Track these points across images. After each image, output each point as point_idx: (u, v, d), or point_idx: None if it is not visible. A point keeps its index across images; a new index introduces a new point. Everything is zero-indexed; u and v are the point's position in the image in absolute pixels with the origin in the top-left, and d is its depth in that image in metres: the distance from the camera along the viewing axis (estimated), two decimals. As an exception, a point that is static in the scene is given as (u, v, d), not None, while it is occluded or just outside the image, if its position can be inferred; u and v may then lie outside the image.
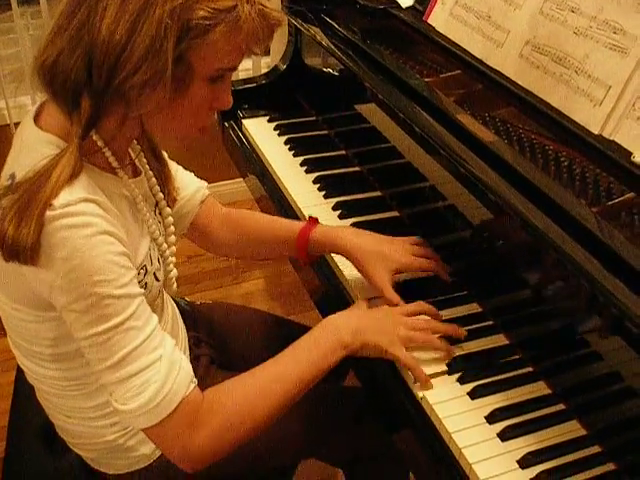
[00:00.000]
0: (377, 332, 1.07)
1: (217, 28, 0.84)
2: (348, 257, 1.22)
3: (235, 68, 0.92)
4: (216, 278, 2.54)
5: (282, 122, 1.73)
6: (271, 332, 1.44)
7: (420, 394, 1.04)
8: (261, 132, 1.70)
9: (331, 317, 1.09)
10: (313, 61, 1.79)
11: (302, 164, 1.57)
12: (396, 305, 1.15)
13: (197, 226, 1.29)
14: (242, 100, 1.77)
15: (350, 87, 1.56)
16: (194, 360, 1.25)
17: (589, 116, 1.09)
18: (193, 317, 1.35)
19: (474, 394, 1.04)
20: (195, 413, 0.93)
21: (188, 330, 1.27)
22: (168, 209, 1.12)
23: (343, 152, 1.63)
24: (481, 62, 1.30)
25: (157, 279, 1.04)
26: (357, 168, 1.58)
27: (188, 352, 1.23)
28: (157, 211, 1.10)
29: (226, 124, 1.77)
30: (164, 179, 1.13)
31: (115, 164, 0.96)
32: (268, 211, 1.59)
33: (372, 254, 1.19)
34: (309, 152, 1.61)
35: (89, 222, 0.84)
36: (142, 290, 0.92)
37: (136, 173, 1.05)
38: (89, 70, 0.84)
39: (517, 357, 1.11)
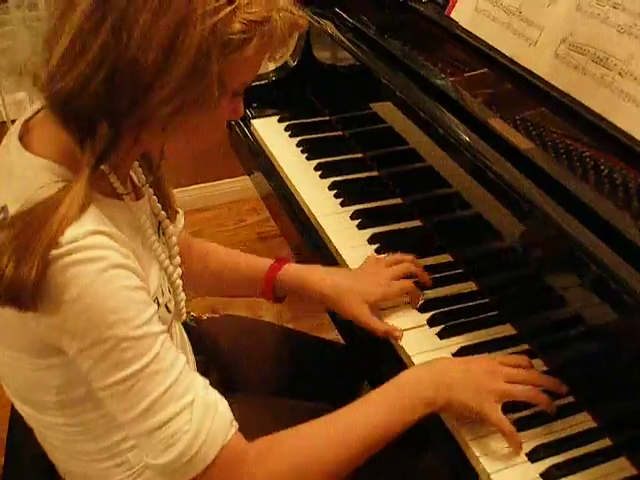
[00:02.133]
0: (469, 387, 0.92)
1: (252, 42, 0.76)
2: (320, 299, 1.14)
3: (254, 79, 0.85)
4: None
5: (293, 122, 1.64)
6: (283, 347, 1.36)
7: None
8: (271, 133, 1.60)
9: (418, 367, 0.99)
10: (325, 56, 1.70)
11: (316, 168, 1.48)
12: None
13: None
14: (251, 99, 1.67)
15: (365, 84, 1.47)
16: None
17: (635, 122, 1.00)
18: (199, 336, 1.26)
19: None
20: (239, 463, 0.83)
21: (195, 355, 1.18)
22: (172, 228, 1.03)
23: (360, 155, 1.54)
24: (511, 61, 1.22)
25: (169, 311, 0.95)
26: (375, 173, 1.48)
27: None
28: (160, 232, 1.01)
29: (233, 124, 1.68)
30: (163, 193, 1.04)
31: (121, 189, 0.87)
32: (277, 212, 1.51)
33: (344, 291, 1.11)
34: (323, 155, 1.52)
35: (100, 256, 0.76)
36: (165, 327, 0.83)
37: (138, 195, 0.96)
38: (112, 95, 0.75)
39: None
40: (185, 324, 1.22)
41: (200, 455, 0.80)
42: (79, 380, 0.85)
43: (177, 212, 1.08)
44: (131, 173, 0.96)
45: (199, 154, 2.51)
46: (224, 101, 0.81)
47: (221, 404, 0.84)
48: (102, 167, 0.81)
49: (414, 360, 1.04)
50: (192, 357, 1.15)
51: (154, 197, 1.00)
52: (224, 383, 1.21)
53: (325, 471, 0.87)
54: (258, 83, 1.70)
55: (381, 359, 1.12)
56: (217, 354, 1.28)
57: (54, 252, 0.73)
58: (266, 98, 1.69)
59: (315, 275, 1.15)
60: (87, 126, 0.77)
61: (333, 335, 1.40)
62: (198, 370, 1.14)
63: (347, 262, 1.24)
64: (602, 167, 1.03)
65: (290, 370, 1.19)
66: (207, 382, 0.85)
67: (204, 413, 0.81)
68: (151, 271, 0.91)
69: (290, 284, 1.17)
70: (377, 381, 1.13)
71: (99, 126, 0.76)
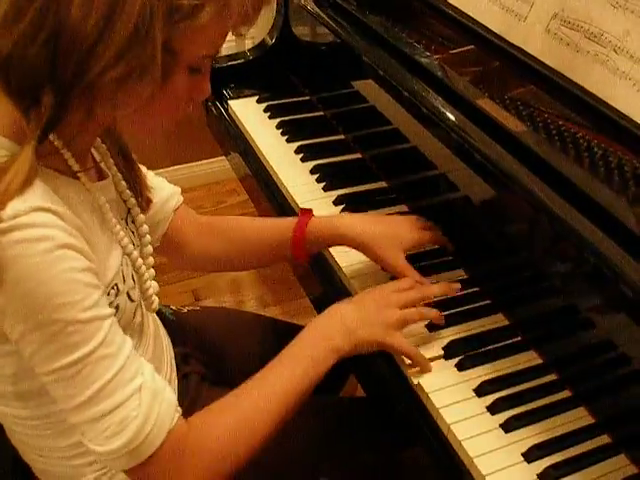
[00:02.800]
0: (367, 325, 0.97)
1: (205, 8, 0.72)
2: (354, 245, 1.11)
3: (218, 53, 0.81)
4: (201, 264, 2.40)
5: (273, 103, 1.57)
6: (268, 337, 1.31)
7: (415, 381, 0.97)
8: (250, 114, 1.54)
9: (316, 320, 0.99)
10: (304, 33, 1.64)
11: (297, 151, 1.42)
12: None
13: (171, 237, 1.14)
14: (227, 78, 1.61)
15: (346, 62, 1.41)
16: (183, 379, 1.12)
17: (632, 103, 0.95)
18: (180, 329, 1.21)
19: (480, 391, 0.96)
20: (183, 445, 0.82)
21: (174, 346, 1.13)
22: (142, 216, 0.98)
23: (342, 137, 1.48)
24: (499, 37, 1.16)
25: (131, 299, 0.90)
26: (358, 155, 1.43)
27: (175, 372, 1.10)
28: (129, 219, 0.96)
29: (210, 104, 1.61)
30: (135, 180, 0.98)
31: (76, 167, 0.81)
32: (255, 194, 1.46)
33: (382, 237, 1.09)
34: (304, 137, 1.46)
35: (45, 235, 0.71)
36: (112, 310, 0.80)
37: (101, 176, 0.90)
38: (53, 61, 0.70)
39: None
40: (163, 318, 1.17)
41: (148, 441, 0.79)
42: (31, 370, 0.80)
43: (150, 201, 1.03)
44: (94, 152, 0.91)
45: (175, 134, 2.42)
46: (179, 75, 0.77)
47: (168, 389, 0.83)
48: (55, 142, 0.77)
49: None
50: (169, 348, 1.11)
51: (123, 182, 0.95)
52: (209, 376, 1.19)
53: (259, 432, 0.88)
54: (235, 62, 1.63)
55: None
56: (200, 348, 1.23)
57: None
58: (244, 78, 1.63)
59: (347, 222, 1.12)
60: (31, 94, 0.72)
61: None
62: (177, 361, 1.12)
63: (330, 249, 1.18)
64: (596, 149, 0.98)
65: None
66: (152, 367, 0.83)
67: (152, 398, 0.79)
68: (110, 255, 0.86)
69: (321, 236, 1.12)
70: (363, 371, 1.12)
71: (43, 94, 0.72)
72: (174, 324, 1.21)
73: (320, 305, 1.26)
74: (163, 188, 1.12)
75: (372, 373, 1.08)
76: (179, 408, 0.84)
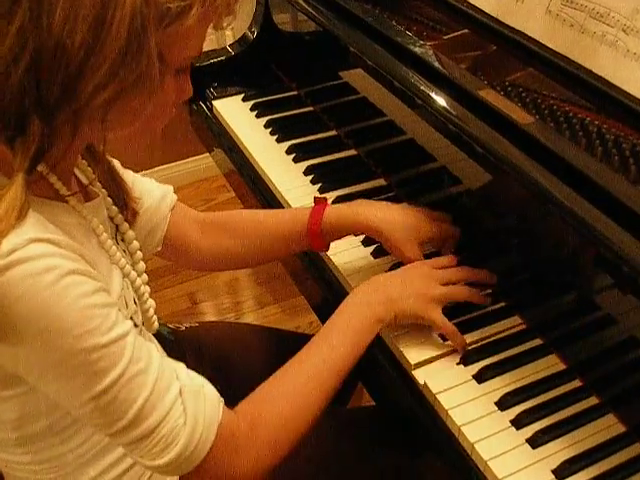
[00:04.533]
0: (410, 296, 0.96)
1: (192, 10, 0.68)
2: (371, 233, 1.08)
3: (201, 53, 0.77)
4: (196, 265, 2.34)
5: (259, 100, 1.50)
6: (269, 349, 1.27)
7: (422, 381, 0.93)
8: (236, 115, 1.47)
9: (358, 290, 0.98)
10: (287, 24, 1.56)
11: (288, 151, 1.36)
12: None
13: (174, 238, 1.08)
14: (210, 77, 1.54)
15: (333, 52, 1.34)
16: None
17: (646, 86, 0.89)
18: (179, 348, 1.17)
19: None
20: (235, 436, 0.80)
21: None
22: (131, 232, 0.93)
23: (334, 132, 1.42)
24: (496, 20, 1.10)
25: (135, 325, 0.84)
26: (353, 151, 1.36)
27: None
28: (118, 237, 0.91)
29: (194, 106, 1.54)
30: (119, 192, 0.93)
31: (64, 190, 0.77)
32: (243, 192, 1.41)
33: (401, 227, 1.06)
34: (295, 136, 1.39)
35: (48, 265, 0.66)
36: (131, 323, 0.75)
37: (88, 197, 0.85)
38: (38, 86, 0.65)
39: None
40: (161, 338, 1.11)
41: (201, 443, 0.76)
42: (38, 412, 0.78)
43: (136, 212, 0.97)
44: (77, 172, 0.86)
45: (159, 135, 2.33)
46: (168, 80, 0.73)
47: (206, 383, 0.81)
48: (39, 168, 0.72)
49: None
50: None
51: (109, 199, 0.90)
52: None
53: (311, 412, 0.86)
54: (216, 60, 1.56)
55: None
56: (199, 362, 1.17)
57: None
58: (227, 76, 1.55)
59: (364, 210, 1.08)
60: (16, 123, 0.67)
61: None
62: None
63: (329, 255, 1.13)
64: (608, 136, 0.92)
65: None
66: (184, 366, 0.80)
67: (195, 400, 0.77)
68: (112, 280, 0.82)
69: (339, 224, 1.08)
70: (369, 378, 1.07)
71: (30, 122, 0.67)
72: (172, 344, 1.16)
73: (315, 304, 1.24)
74: (154, 189, 1.06)
75: (385, 387, 1.04)
76: (220, 398, 0.81)
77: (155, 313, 0.96)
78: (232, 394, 1.16)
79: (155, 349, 0.77)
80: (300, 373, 0.87)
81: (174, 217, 1.07)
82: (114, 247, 0.84)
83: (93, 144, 0.86)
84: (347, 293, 1.07)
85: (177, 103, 0.79)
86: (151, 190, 1.05)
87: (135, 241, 0.93)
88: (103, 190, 0.89)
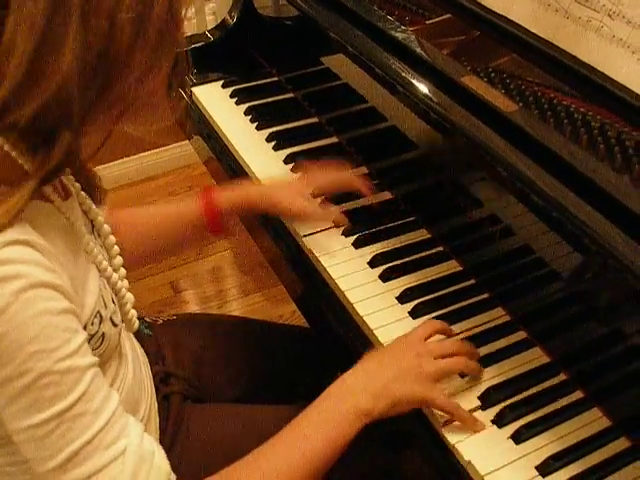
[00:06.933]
0: (404, 382, 0.86)
1: None
2: (263, 208, 1.14)
3: None
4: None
5: (239, 87, 1.46)
6: (250, 341, 1.24)
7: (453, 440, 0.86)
8: (215, 101, 1.43)
9: (344, 377, 0.88)
10: (266, 4, 1.52)
11: (269, 139, 1.33)
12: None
13: None
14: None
15: (313, 36, 1.31)
16: (163, 400, 1.05)
17: (631, 72, 0.87)
18: (157, 346, 1.14)
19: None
20: None
21: (152, 366, 1.06)
22: (107, 226, 0.89)
23: (315, 119, 1.39)
24: (479, 5, 1.07)
25: (114, 324, 0.82)
26: (334, 139, 1.34)
27: (155, 395, 1.02)
28: (95, 233, 0.88)
29: (173, 93, 1.50)
30: (88, 177, 0.89)
31: (49, 191, 0.74)
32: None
33: (283, 184, 1.15)
34: (275, 123, 1.36)
35: (18, 273, 0.63)
36: (95, 360, 0.71)
37: (67, 194, 0.81)
38: (79, 99, 0.63)
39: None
40: (139, 336, 1.09)
41: None
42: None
43: (106, 191, 0.94)
44: None
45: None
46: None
47: (158, 455, 0.74)
48: (26, 166, 0.67)
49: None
50: (148, 370, 1.03)
51: (82, 193, 0.86)
52: (191, 393, 1.12)
53: None
54: (196, 45, 1.52)
55: (349, 342, 1.03)
56: (179, 364, 1.15)
57: None
58: (206, 61, 1.51)
59: (250, 186, 1.18)
60: (47, 134, 0.64)
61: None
62: (156, 382, 1.04)
63: (310, 247, 1.10)
64: (593, 123, 0.90)
65: (259, 368, 1.07)
66: (142, 429, 0.74)
67: (138, 465, 0.70)
68: (89, 281, 0.79)
69: (234, 208, 1.13)
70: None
71: (60, 135, 0.64)
72: (150, 340, 1.14)
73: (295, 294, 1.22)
74: None
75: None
76: (173, 476, 0.75)
77: (134, 308, 0.92)
78: (212, 388, 1.15)
79: (115, 397, 0.72)
80: (262, 469, 0.80)
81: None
82: (93, 245, 0.81)
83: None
84: (327, 284, 1.06)
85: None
86: None
87: (111, 236, 0.90)
88: (77, 184, 0.86)
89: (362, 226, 1.13)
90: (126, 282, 0.90)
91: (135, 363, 0.96)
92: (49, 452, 0.67)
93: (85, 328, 0.74)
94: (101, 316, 0.78)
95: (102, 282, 0.82)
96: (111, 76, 0.64)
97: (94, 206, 0.88)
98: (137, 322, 0.93)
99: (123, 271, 0.90)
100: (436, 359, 0.89)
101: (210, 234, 1.13)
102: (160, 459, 0.74)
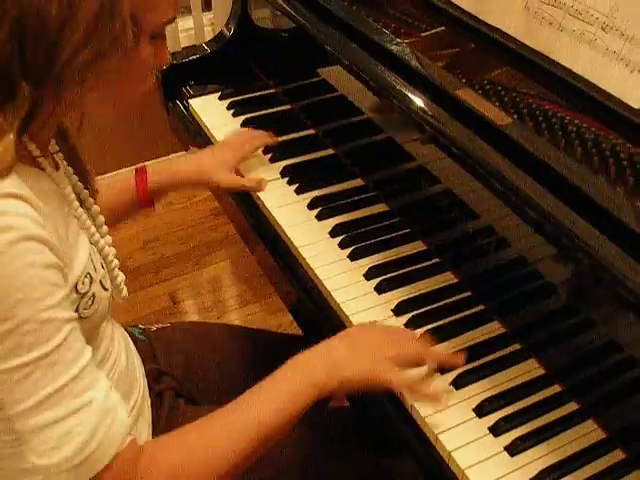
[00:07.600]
0: (355, 361, 0.89)
1: None
2: (195, 183, 1.26)
3: (174, 19, 0.81)
4: (177, 264, 2.30)
5: (236, 99, 1.47)
6: (244, 350, 1.25)
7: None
8: (212, 114, 1.44)
9: (301, 353, 0.91)
10: (263, 16, 1.53)
11: (265, 151, 1.33)
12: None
13: None
14: (186, 75, 1.51)
15: (310, 48, 1.31)
16: (156, 397, 1.08)
17: (625, 85, 0.87)
18: (150, 347, 1.16)
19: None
20: (132, 470, 0.77)
21: (145, 364, 1.08)
22: (96, 207, 0.94)
23: (312, 131, 1.39)
24: (474, 18, 1.08)
25: (104, 287, 0.86)
26: (331, 151, 1.34)
27: (148, 391, 1.05)
28: (84, 207, 0.91)
29: (171, 105, 1.51)
30: (81, 166, 0.94)
31: (37, 153, 0.78)
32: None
33: (209, 162, 1.22)
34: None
35: (11, 225, 0.67)
36: (74, 314, 0.75)
37: (57, 167, 0.86)
38: (22, 53, 0.69)
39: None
40: (133, 339, 1.10)
41: (91, 460, 0.74)
42: None
43: (97, 191, 0.97)
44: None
45: (136, 132, 2.31)
46: (144, 44, 0.77)
47: (121, 409, 0.78)
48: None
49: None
50: (141, 367, 1.06)
51: (69, 168, 0.91)
52: (184, 393, 1.15)
53: (218, 461, 0.82)
54: (193, 57, 1.52)
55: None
56: (172, 364, 1.17)
57: None
58: (204, 73, 1.52)
59: (178, 165, 1.27)
60: (7, 89, 0.70)
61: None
62: (148, 380, 1.07)
63: (308, 261, 1.11)
64: (588, 136, 0.90)
65: (252, 375, 1.07)
66: (109, 385, 0.78)
67: (102, 416, 0.75)
68: (79, 244, 0.83)
69: (165, 185, 1.22)
70: None
71: (19, 87, 0.69)
72: (144, 343, 1.16)
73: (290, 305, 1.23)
74: None
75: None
76: (133, 431, 0.80)
77: (125, 284, 0.97)
78: (205, 392, 1.16)
79: (89, 352, 0.76)
80: (214, 429, 0.84)
81: None
82: (82, 211, 0.86)
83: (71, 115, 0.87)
84: (322, 294, 1.06)
85: (155, 69, 0.83)
86: None
87: (95, 205, 0.94)
88: (64, 162, 0.90)
89: (358, 238, 1.13)
90: (113, 249, 0.94)
91: (128, 354, 1.00)
92: (21, 395, 0.70)
93: (76, 287, 0.78)
94: (91, 277, 0.82)
95: (92, 249, 0.86)
96: (49, 39, 0.68)
97: (79, 183, 0.92)
98: (125, 290, 0.96)
99: (109, 238, 0.94)
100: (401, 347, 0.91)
101: (141, 207, 1.23)
102: (122, 414, 0.77)
